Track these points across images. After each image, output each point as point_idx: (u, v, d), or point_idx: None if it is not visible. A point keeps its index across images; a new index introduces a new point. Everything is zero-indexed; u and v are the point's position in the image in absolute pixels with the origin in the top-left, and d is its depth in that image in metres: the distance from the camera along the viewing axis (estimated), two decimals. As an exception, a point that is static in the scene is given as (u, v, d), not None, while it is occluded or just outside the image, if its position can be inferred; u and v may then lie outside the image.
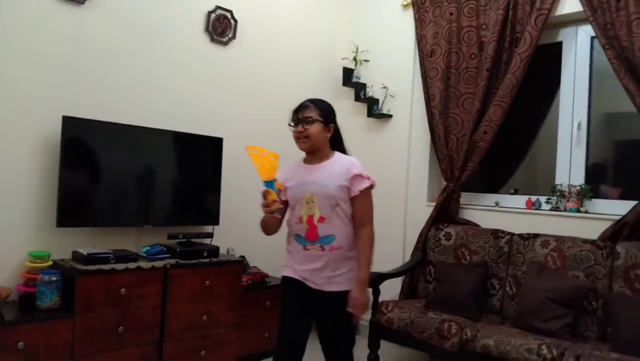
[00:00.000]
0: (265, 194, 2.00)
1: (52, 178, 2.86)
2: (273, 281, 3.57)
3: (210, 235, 3.38)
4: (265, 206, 2.01)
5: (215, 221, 3.49)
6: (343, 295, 2.12)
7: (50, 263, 2.78)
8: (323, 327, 2.21)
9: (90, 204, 2.97)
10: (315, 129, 2.14)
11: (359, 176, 2.12)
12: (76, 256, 2.83)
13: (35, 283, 2.64)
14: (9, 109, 2.76)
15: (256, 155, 2.01)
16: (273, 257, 3.80)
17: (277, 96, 4.03)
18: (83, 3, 3.00)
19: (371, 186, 2.16)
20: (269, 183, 2.00)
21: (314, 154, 2.21)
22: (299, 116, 2.16)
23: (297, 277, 2.19)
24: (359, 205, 2.14)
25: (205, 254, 3.17)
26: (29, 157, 2.84)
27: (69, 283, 2.65)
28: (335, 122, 2.23)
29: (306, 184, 2.14)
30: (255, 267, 3.65)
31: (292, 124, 2.18)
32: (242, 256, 3.59)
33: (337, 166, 2.17)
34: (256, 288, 3.44)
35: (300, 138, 2.15)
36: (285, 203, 2.23)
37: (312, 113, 2.15)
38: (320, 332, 2.23)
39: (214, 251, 3.25)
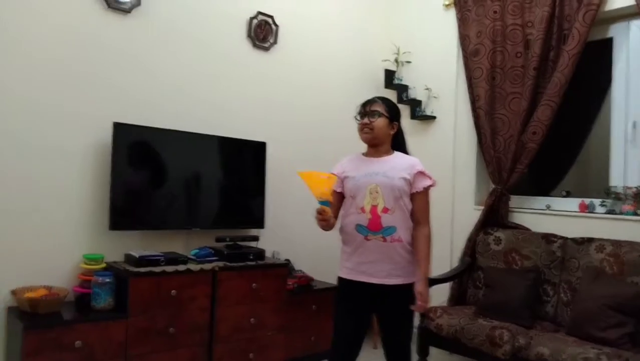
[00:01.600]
0: (320, 211, 2.04)
1: (104, 184, 2.94)
2: (319, 285, 3.57)
3: (256, 238, 3.41)
4: (322, 220, 2.07)
5: (260, 224, 3.52)
6: (403, 288, 2.15)
7: (103, 265, 2.86)
8: (385, 322, 2.24)
9: (141, 208, 3.04)
10: (380, 123, 2.21)
11: (422, 174, 2.20)
12: (128, 258, 2.90)
13: (90, 284, 2.72)
14: (62, 118, 2.86)
15: (308, 176, 2.04)
16: (318, 261, 3.81)
17: (319, 99, 4.04)
18: (129, 12, 3.08)
19: (432, 185, 2.21)
20: (324, 203, 2.04)
21: (376, 148, 2.27)
22: (367, 109, 2.25)
23: (353, 278, 2.20)
24: (419, 202, 2.20)
25: (251, 257, 3.20)
26: (82, 164, 2.93)
27: (122, 284, 2.72)
28: (399, 122, 2.31)
29: (370, 175, 2.18)
30: (301, 270, 3.66)
31: (358, 117, 2.26)
32: (287, 260, 3.60)
33: (399, 161, 2.23)
34: (302, 292, 3.44)
35: (364, 129, 2.22)
36: (339, 197, 2.26)
37: (379, 108, 2.23)
38: (382, 327, 2.25)
39: (260, 254, 3.27)
